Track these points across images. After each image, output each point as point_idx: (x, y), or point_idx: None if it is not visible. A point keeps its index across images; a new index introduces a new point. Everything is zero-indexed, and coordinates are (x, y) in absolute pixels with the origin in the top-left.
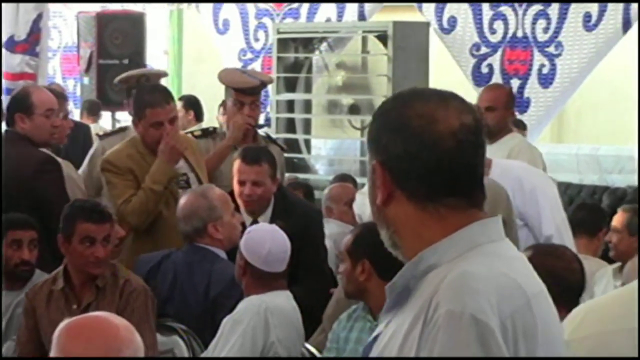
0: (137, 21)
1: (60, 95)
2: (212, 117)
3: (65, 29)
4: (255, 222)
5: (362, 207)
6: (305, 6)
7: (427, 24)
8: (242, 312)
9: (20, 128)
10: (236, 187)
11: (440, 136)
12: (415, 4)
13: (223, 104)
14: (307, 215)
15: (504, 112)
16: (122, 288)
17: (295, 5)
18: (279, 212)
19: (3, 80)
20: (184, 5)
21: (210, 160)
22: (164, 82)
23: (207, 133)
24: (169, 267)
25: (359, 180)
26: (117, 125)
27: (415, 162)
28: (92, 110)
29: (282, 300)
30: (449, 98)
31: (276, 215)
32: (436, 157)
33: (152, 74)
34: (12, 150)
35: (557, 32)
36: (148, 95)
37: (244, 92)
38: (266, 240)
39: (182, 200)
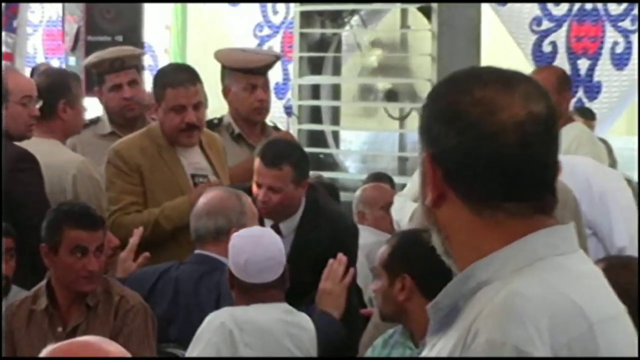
0: None
1: (75, 77)
2: (221, 105)
3: None
4: (275, 226)
5: (401, 211)
6: None
7: None
8: (204, 327)
9: None
10: (254, 188)
11: (501, 128)
12: None
13: (225, 91)
14: (338, 226)
15: (556, 97)
16: (117, 306)
17: None
18: (307, 220)
19: None
20: None
21: (239, 171)
22: (166, 60)
23: (212, 126)
24: (168, 284)
25: (397, 180)
26: None
27: (471, 159)
28: None
29: (265, 314)
30: (515, 80)
31: (304, 224)
32: (495, 154)
33: (126, 56)
34: None
35: (633, 3)
36: (170, 74)
37: (255, 73)
38: (245, 249)
39: (210, 195)
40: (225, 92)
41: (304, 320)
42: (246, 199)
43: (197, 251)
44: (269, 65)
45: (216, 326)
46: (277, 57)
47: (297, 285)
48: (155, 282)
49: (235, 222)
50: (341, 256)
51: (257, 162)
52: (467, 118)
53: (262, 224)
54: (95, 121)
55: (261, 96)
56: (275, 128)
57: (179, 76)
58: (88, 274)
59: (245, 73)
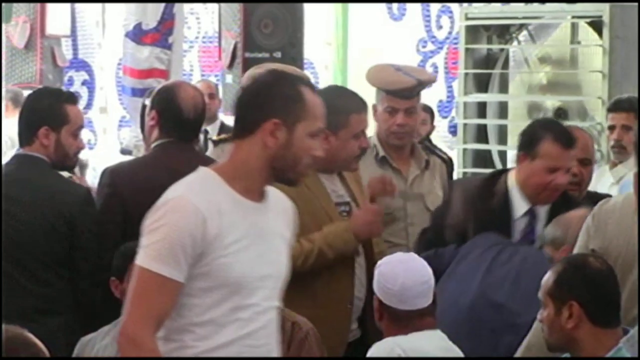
0: (293, 6)
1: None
2: None
3: (204, 15)
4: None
5: None
6: None
7: None
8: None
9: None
10: (545, 177)
11: None
12: None
13: (373, 108)
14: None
15: None
16: (291, 334)
17: None
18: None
19: (129, 79)
20: None
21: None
22: (327, 76)
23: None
24: None
25: None
26: None
27: None
28: (18, 101)
29: (428, 343)
30: None
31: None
32: None
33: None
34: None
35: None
36: (350, 99)
37: (396, 95)
38: (398, 274)
39: None
40: (373, 111)
41: (457, 349)
42: None
43: None
44: (412, 89)
45: (385, 355)
46: (420, 82)
47: None
48: None
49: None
50: None
51: (550, 146)
52: None
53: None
54: None
55: (400, 120)
56: (429, 148)
57: (359, 100)
58: None
59: (387, 94)
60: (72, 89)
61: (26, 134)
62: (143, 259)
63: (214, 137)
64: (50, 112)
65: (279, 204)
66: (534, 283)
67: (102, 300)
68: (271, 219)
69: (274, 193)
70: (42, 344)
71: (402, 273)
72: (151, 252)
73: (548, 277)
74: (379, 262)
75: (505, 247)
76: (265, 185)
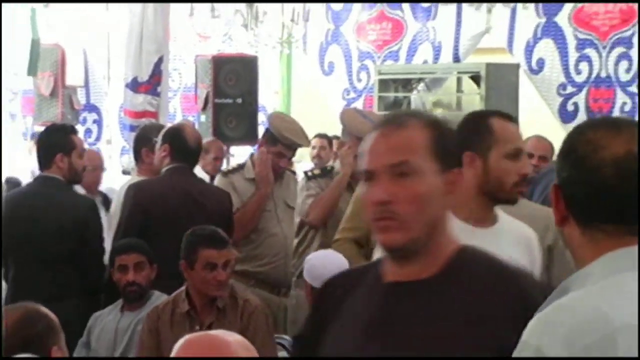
0: (250, 64)
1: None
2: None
3: (185, 71)
4: None
5: None
6: (404, 49)
7: (517, 65)
8: None
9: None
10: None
11: (601, 163)
12: (506, 47)
13: (340, 142)
14: None
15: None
16: (242, 308)
17: (395, 48)
18: None
19: (128, 118)
20: (293, 48)
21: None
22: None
23: (327, 172)
24: None
25: None
26: (232, 161)
27: (578, 188)
28: None
29: None
30: (623, 126)
31: None
32: (595, 184)
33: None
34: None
35: (639, 72)
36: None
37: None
38: (325, 262)
39: None
40: (340, 143)
41: None
42: None
43: None
44: None
45: None
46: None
47: None
48: None
49: None
50: None
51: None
52: (577, 155)
53: None
54: (242, 166)
55: None
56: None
57: None
58: (217, 283)
59: (357, 139)
60: (85, 127)
61: (45, 161)
62: None
63: (224, 169)
64: (62, 142)
65: (513, 232)
66: None
67: (106, 287)
68: (502, 244)
69: (510, 222)
70: (60, 320)
71: (329, 260)
72: None
73: None
74: (307, 258)
75: None
76: (488, 212)
